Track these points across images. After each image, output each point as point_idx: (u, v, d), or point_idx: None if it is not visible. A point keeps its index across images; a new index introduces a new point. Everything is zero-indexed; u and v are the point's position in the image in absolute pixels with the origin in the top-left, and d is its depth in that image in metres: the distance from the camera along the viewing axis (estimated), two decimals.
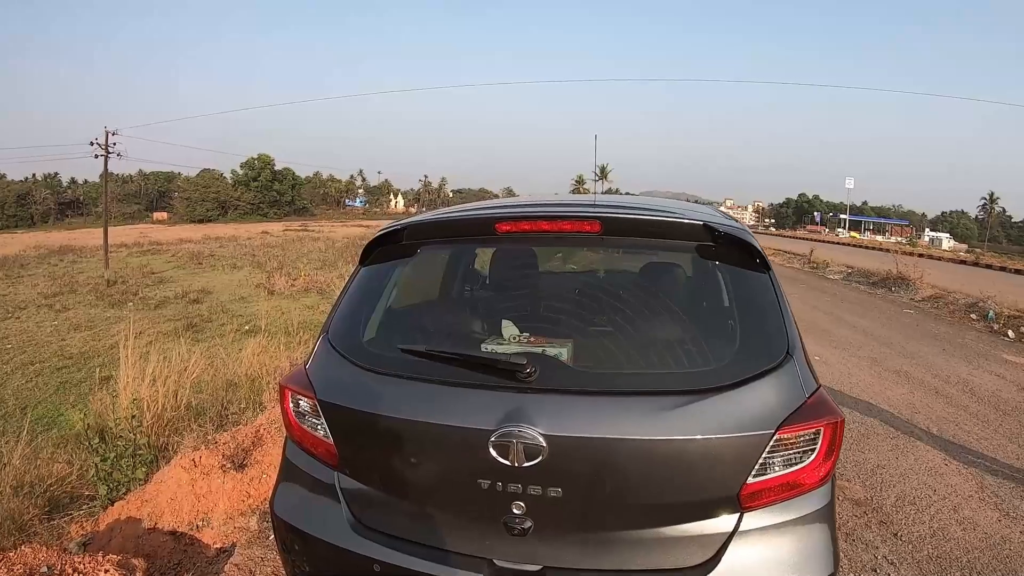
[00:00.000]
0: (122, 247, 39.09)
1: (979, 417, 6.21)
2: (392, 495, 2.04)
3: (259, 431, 4.62)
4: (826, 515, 1.89)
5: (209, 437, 4.57)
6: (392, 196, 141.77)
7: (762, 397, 1.81)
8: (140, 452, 4.50)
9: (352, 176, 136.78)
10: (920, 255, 27.39)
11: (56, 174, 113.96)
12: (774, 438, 1.77)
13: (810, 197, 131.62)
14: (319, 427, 2.10)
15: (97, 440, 4.62)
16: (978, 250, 63.48)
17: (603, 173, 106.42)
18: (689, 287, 2.54)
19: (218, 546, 3.52)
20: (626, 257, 3.29)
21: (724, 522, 1.81)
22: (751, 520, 1.81)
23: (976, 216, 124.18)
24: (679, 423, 1.75)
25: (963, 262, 30.04)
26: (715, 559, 1.78)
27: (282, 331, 9.88)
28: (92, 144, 33.44)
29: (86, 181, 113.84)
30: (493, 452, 1.77)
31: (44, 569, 2.70)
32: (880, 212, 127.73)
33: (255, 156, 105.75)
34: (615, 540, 1.83)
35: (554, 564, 1.85)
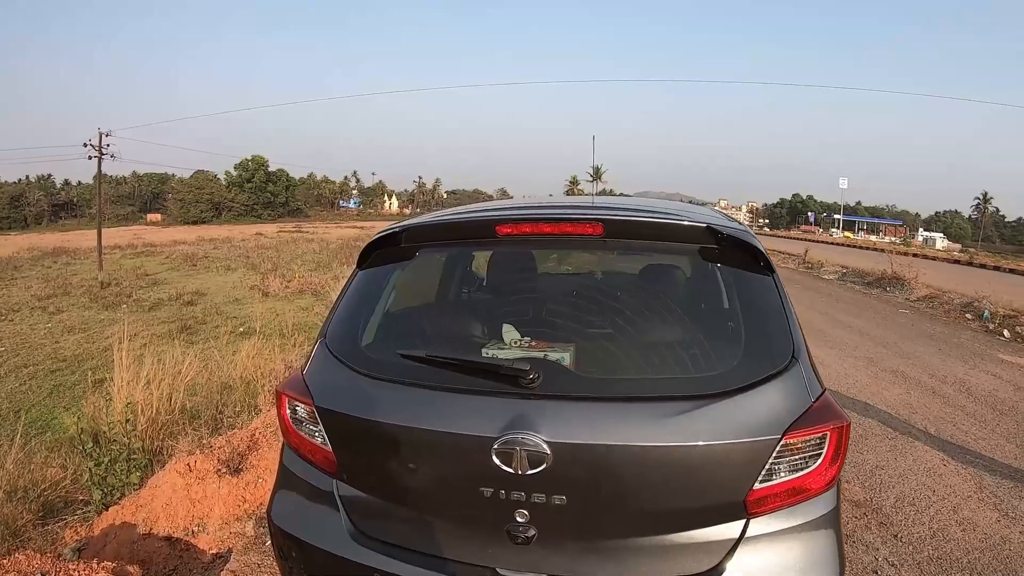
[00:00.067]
0: (116, 249, 38.92)
1: (976, 417, 6.21)
2: (392, 503, 2.00)
3: (255, 435, 4.58)
4: (832, 520, 1.86)
5: (204, 441, 4.53)
6: (386, 197, 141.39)
7: (768, 402, 1.79)
8: (134, 456, 4.46)
9: (346, 177, 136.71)
10: (915, 255, 27.49)
11: (50, 175, 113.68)
12: (780, 443, 1.75)
13: (804, 197, 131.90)
14: (317, 434, 2.07)
15: (91, 444, 4.58)
16: (972, 250, 63.70)
17: (597, 174, 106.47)
18: (691, 290, 2.52)
19: (214, 552, 3.48)
20: (624, 259, 3.26)
21: (730, 528, 1.78)
22: (757, 526, 1.79)
23: (970, 216, 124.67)
24: (685, 429, 1.72)
25: (957, 262, 30.15)
26: (721, 566, 1.76)
27: (277, 333, 9.84)
28: (86, 145, 33.29)
29: (80, 183, 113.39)
30: (496, 460, 1.74)
31: None
32: (874, 212, 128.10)
33: (249, 157, 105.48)
34: (620, 548, 1.81)
35: (558, 573, 1.82)
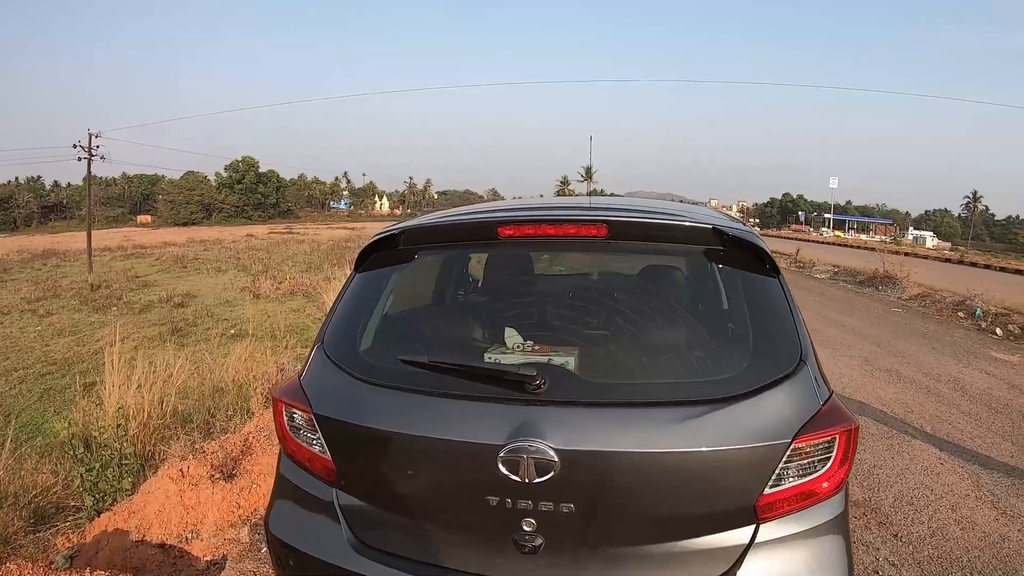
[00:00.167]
0: (106, 251, 38.65)
1: (972, 415, 6.23)
2: (395, 513, 1.96)
3: (248, 439, 4.53)
4: (840, 524, 1.85)
5: (197, 446, 4.48)
6: (377, 198, 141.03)
7: (778, 406, 1.76)
8: (126, 461, 4.40)
9: (337, 178, 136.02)
10: (906, 254, 27.62)
11: (39, 177, 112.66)
12: (791, 447, 1.72)
13: (794, 197, 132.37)
14: (315, 442, 2.02)
15: (82, 449, 4.51)
16: (962, 248, 64.18)
17: (588, 174, 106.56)
18: (693, 292, 2.49)
19: (208, 559, 3.43)
20: (620, 259, 3.23)
21: (740, 534, 1.76)
22: (767, 531, 1.76)
23: (959, 215, 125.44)
24: (695, 434, 1.70)
25: (948, 260, 30.33)
26: (731, 572, 1.74)
27: (268, 335, 9.77)
28: (75, 147, 33.04)
29: (69, 184, 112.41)
30: (502, 468, 1.70)
31: None
32: (864, 211, 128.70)
33: (239, 158, 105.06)
34: (629, 555, 1.78)
35: None
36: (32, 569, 2.77)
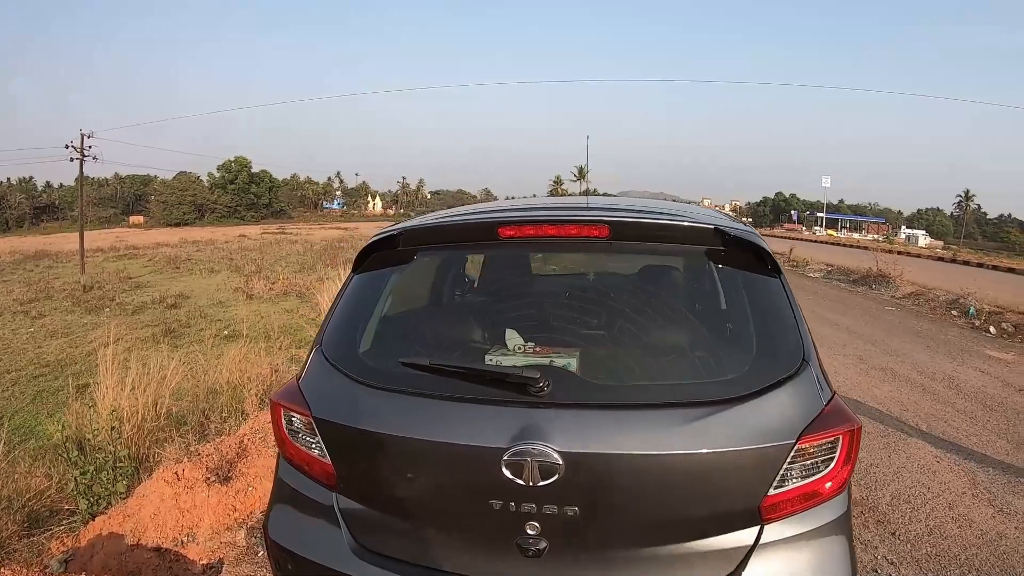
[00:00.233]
0: (98, 252, 38.49)
1: (967, 413, 6.25)
2: (396, 517, 1.94)
3: (243, 441, 4.51)
4: (844, 524, 1.84)
5: (192, 449, 4.45)
6: (370, 198, 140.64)
7: (781, 407, 1.76)
8: (120, 464, 4.36)
9: (329, 178, 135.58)
10: (899, 252, 27.73)
11: (31, 178, 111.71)
12: (795, 448, 1.72)
13: (787, 196, 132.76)
14: (314, 445, 2.00)
15: (76, 452, 4.48)
16: (955, 247, 64.47)
17: (582, 174, 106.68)
18: (697, 292, 2.48)
19: (204, 562, 3.41)
20: (616, 259, 3.21)
21: (745, 535, 1.75)
22: (772, 532, 1.76)
23: (952, 213, 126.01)
24: (700, 436, 1.69)
25: (941, 259, 30.39)
26: (736, 573, 1.73)
27: (262, 336, 9.73)
28: (68, 147, 32.86)
29: (61, 185, 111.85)
30: (506, 471, 1.69)
31: None
32: (856, 210, 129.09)
33: (232, 159, 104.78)
34: (634, 558, 1.77)
35: None
36: (27, 574, 2.75)
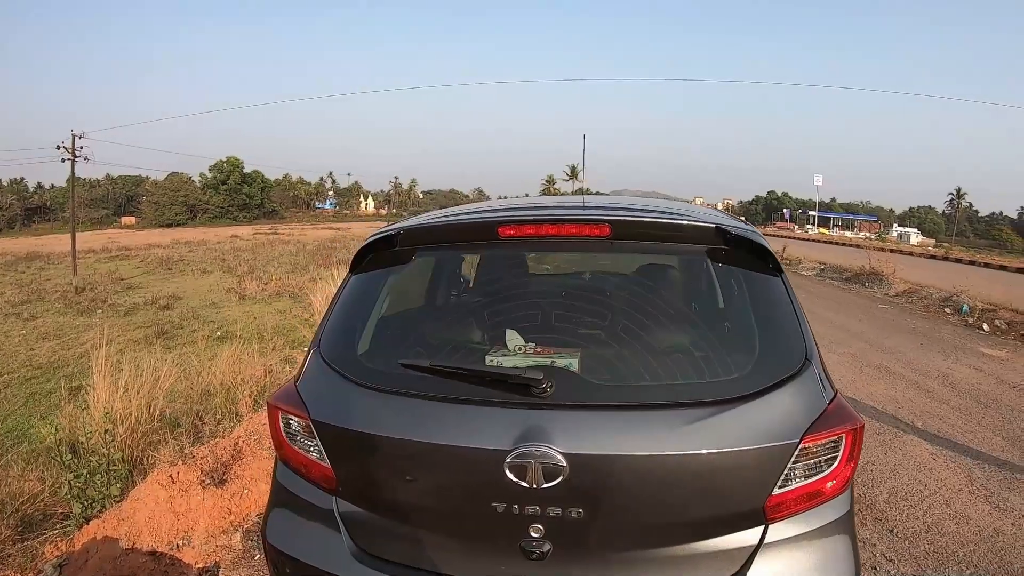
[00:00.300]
0: (90, 253, 38.30)
1: (962, 410, 6.27)
2: (397, 521, 1.92)
3: (238, 443, 4.47)
4: (847, 523, 1.84)
5: (186, 451, 4.41)
6: (362, 198, 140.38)
7: (785, 406, 1.75)
8: (114, 467, 4.32)
9: (322, 178, 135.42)
10: (891, 250, 27.80)
11: (22, 179, 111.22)
12: (799, 447, 1.71)
13: (779, 194, 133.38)
14: (313, 449, 1.97)
15: (69, 455, 4.43)
16: (946, 245, 64.81)
17: (573, 173, 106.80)
18: (698, 292, 2.48)
19: (200, 566, 3.37)
20: (613, 258, 3.19)
21: (750, 535, 1.75)
22: (776, 531, 1.75)
23: (943, 211, 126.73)
24: (704, 436, 1.68)
25: (933, 256, 30.52)
26: (741, 573, 1.73)
27: (255, 337, 9.68)
28: (59, 148, 32.61)
29: (53, 186, 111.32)
30: (509, 474, 1.67)
31: None
32: (848, 208, 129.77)
33: (224, 159, 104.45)
34: (639, 559, 1.76)
35: None
36: None
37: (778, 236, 49.06)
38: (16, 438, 7.42)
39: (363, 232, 51.88)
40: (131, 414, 5.18)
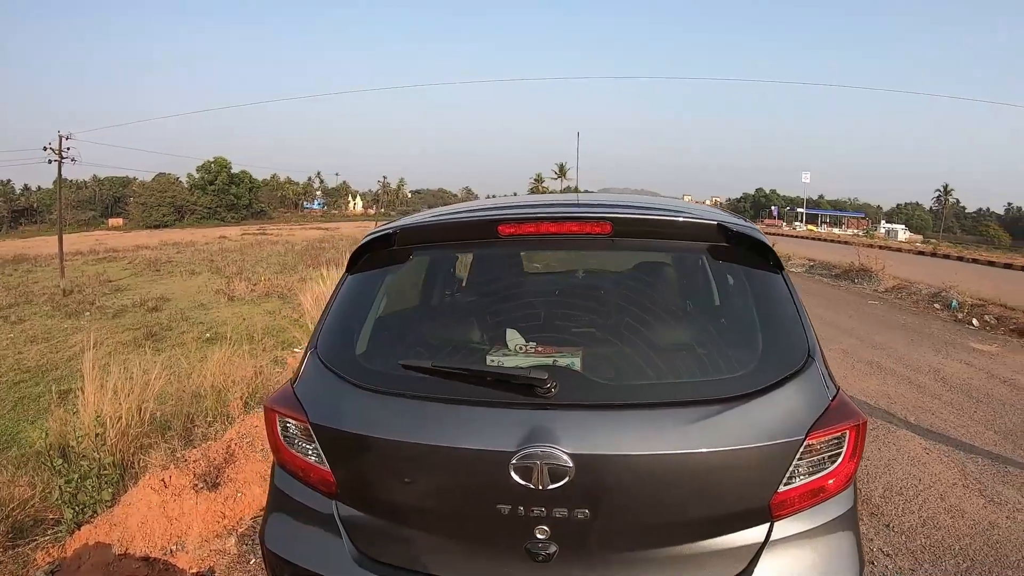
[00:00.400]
0: (78, 255, 37.93)
1: (953, 405, 6.31)
2: (399, 524, 1.89)
3: (230, 446, 4.43)
4: (851, 518, 1.84)
5: (178, 454, 4.37)
6: (351, 198, 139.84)
7: (790, 403, 1.75)
8: (105, 472, 4.27)
9: (310, 178, 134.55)
10: (880, 247, 28.00)
11: (9, 181, 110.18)
12: (804, 444, 1.71)
13: (767, 192, 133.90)
14: (312, 452, 1.94)
15: (59, 460, 4.38)
16: (934, 241, 65.18)
17: (562, 171, 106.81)
18: (698, 289, 2.47)
19: (195, 571, 3.33)
20: (606, 257, 3.17)
21: (756, 533, 1.74)
22: (781, 528, 1.75)
23: (930, 208, 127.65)
24: (711, 434, 1.67)
25: (922, 253, 30.76)
26: (748, 570, 1.72)
27: (245, 338, 9.61)
28: (45, 149, 32.34)
29: (39, 188, 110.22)
30: (515, 475, 1.65)
31: None
32: (836, 205, 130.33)
33: (211, 159, 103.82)
34: (645, 559, 1.75)
35: None
36: None
37: (767, 233, 49.26)
38: (5, 443, 7.33)
39: (351, 232, 51.88)
40: (121, 417, 5.13)
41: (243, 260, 31.60)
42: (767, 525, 1.74)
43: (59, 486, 4.03)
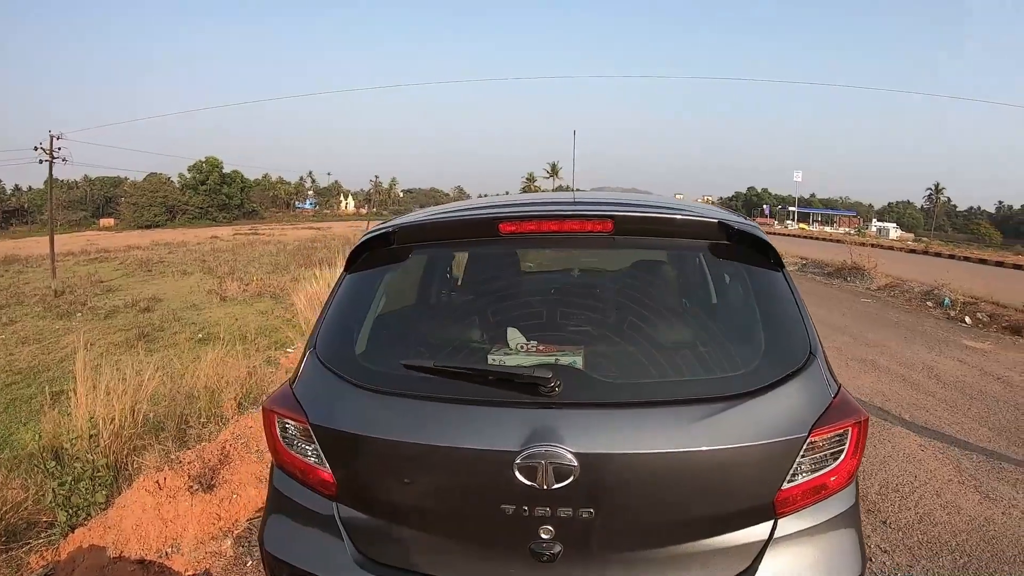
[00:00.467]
0: (69, 255, 37.74)
1: (947, 402, 6.33)
2: (402, 526, 1.87)
3: (225, 447, 4.40)
4: (853, 514, 1.85)
5: (172, 456, 4.33)
6: (342, 197, 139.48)
7: (793, 400, 1.75)
8: (99, 474, 4.23)
9: (302, 178, 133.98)
10: (872, 245, 28.14)
11: None
12: (807, 441, 1.71)
13: (759, 190, 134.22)
14: (311, 453, 1.92)
15: (53, 462, 4.34)
16: (925, 239, 65.56)
17: (554, 170, 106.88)
18: (700, 287, 2.47)
19: (191, 574, 3.30)
20: (602, 255, 3.15)
21: (760, 530, 1.74)
22: (785, 526, 1.75)
23: (922, 206, 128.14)
24: (715, 432, 1.66)
25: (913, 251, 30.99)
26: (753, 568, 1.72)
27: (238, 338, 9.57)
28: (36, 149, 32.16)
29: (30, 188, 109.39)
30: (519, 475, 1.64)
31: None
32: (828, 204, 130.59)
33: (203, 159, 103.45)
34: (650, 558, 1.74)
35: None
36: None
37: None
38: None
39: (344, 232, 51.72)
40: (115, 419, 5.08)
41: (235, 260, 31.52)
42: (771, 523, 1.74)
43: (52, 488, 4.00)
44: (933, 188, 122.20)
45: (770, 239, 2.02)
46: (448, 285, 2.97)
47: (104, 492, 4.09)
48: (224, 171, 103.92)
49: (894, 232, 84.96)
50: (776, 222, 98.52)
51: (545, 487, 1.63)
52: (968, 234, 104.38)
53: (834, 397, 1.80)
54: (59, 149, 32.32)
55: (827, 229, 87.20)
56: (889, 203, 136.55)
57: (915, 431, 5.46)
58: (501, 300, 2.35)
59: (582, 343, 1.93)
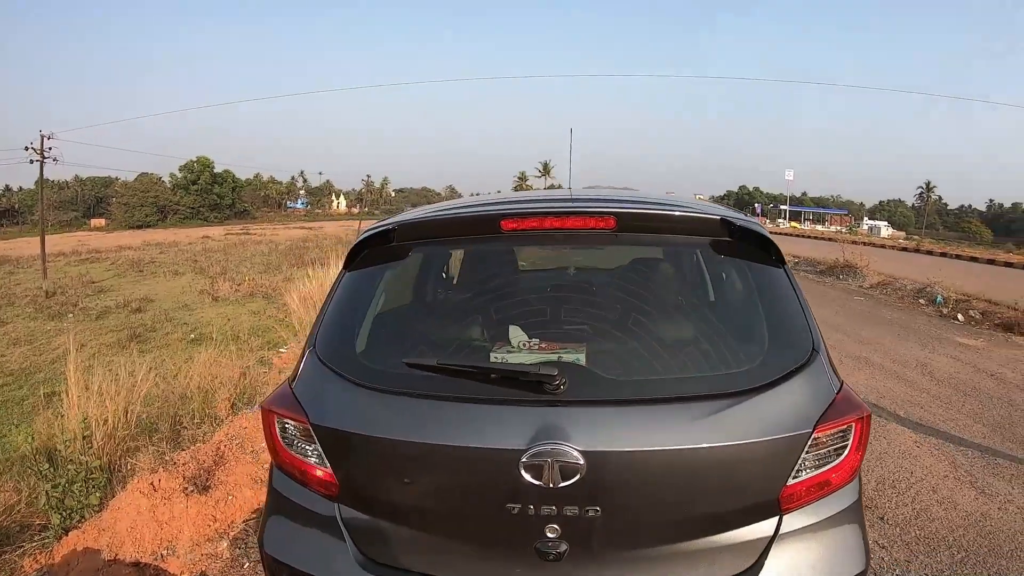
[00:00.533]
0: (60, 256, 37.47)
1: (942, 399, 6.36)
2: (405, 526, 1.85)
3: (220, 448, 4.37)
4: (857, 510, 1.85)
5: (166, 457, 4.30)
6: (334, 197, 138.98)
7: (797, 396, 1.75)
8: (92, 476, 4.19)
9: (293, 177, 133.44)
10: (864, 243, 28.25)
11: None
12: (812, 438, 1.71)
13: (751, 189, 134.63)
14: (312, 453, 1.89)
15: (46, 464, 4.29)
16: (917, 237, 65.82)
17: (546, 169, 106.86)
18: (701, 283, 2.46)
19: None
20: (600, 253, 3.14)
21: (765, 526, 1.74)
22: (790, 521, 1.75)
23: (913, 204, 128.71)
24: (720, 429, 1.66)
25: (905, 249, 31.12)
26: (758, 564, 1.72)
27: (231, 338, 9.52)
28: (27, 149, 31.87)
29: (21, 188, 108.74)
30: (525, 474, 1.62)
31: None
32: (819, 202, 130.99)
33: (194, 159, 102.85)
34: (657, 556, 1.73)
35: None
36: None
37: None
38: None
39: (336, 231, 51.61)
40: (108, 420, 5.04)
41: (227, 260, 31.37)
42: (776, 519, 1.74)
43: (46, 491, 3.95)
44: (924, 186, 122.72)
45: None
46: (446, 283, 2.95)
47: (98, 494, 4.06)
48: (215, 171, 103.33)
49: (885, 230, 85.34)
50: (768, 221, 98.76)
51: (551, 485, 1.62)
52: (959, 232, 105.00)
53: (837, 393, 1.80)
54: (50, 149, 32.01)
55: (818, 227, 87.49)
56: (880, 201, 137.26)
57: (910, 427, 5.48)
58: (501, 298, 2.33)
59: (584, 340, 1.92)
